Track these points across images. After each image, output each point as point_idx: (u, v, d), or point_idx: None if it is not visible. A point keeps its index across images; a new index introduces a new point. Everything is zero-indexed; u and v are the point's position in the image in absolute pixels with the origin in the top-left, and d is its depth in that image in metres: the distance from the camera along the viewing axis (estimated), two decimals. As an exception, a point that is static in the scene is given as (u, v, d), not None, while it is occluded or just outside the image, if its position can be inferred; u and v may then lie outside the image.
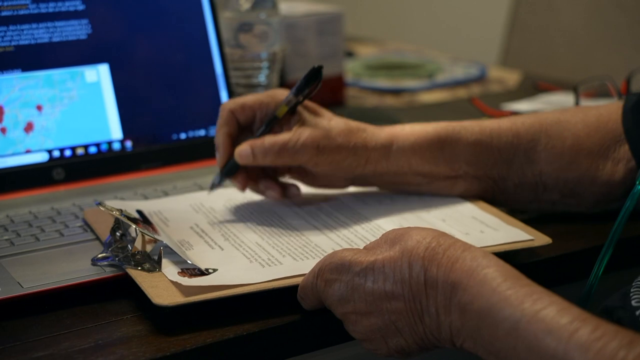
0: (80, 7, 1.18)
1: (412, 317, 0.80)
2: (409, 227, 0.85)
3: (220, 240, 1.00)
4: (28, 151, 1.13)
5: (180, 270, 0.90)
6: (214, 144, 1.10)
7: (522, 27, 2.35)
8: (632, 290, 0.88)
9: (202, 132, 1.25)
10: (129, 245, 0.93)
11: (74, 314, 0.88)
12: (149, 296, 0.84)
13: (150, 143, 1.21)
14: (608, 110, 1.13)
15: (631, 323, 0.83)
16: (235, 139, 1.09)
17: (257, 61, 1.38)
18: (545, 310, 0.70)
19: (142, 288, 0.86)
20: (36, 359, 0.79)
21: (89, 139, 1.17)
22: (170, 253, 0.93)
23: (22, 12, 1.14)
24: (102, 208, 0.99)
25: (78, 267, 0.93)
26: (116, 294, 0.92)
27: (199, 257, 0.95)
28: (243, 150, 1.05)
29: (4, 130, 1.12)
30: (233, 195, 1.13)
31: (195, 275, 0.90)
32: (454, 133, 1.11)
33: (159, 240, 0.94)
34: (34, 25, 1.15)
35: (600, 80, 1.49)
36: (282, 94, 1.09)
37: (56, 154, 1.15)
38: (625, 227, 0.93)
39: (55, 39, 1.16)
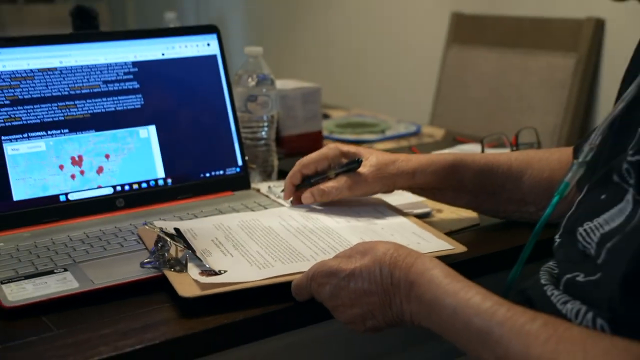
0: (136, 86, 1.20)
1: (384, 307, 0.84)
2: (376, 241, 0.89)
3: (231, 249, 1.01)
4: (99, 187, 1.16)
5: (200, 271, 0.93)
6: (284, 186, 1.17)
7: (444, 98, 2.40)
8: (540, 273, 0.90)
9: (220, 172, 1.26)
10: (165, 253, 0.95)
11: (129, 303, 0.91)
12: (176, 290, 0.88)
13: (184, 180, 1.23)
14: (568, 151, 1.13)
15: (539, 297, 0.86)
16: (296, 185, 1.16)
17: (260, 122, 1.39)
18: (473, 298, 0.75)
19: (172, 284, 0.89)
20: (103, 335, 0.82)
21: (142, 178, 1.19)
22: (194, 259, 0.95)
23: (95, 90, 1.17)
24: (148, 227, 1.02)
25: (133, 270, 0.96)
26: (158, 289, 0.93)
27: (215, 261, 0.97)
28: (307, 197, 1.13)
29: (82, 172, 1.14)
30: (244, 217, 1.13)
31: (211, 275, 0.92)
32: (463, 162, 1.13)
33: (186, 249, 0.96)
34: (104, 99, 1.17)
35: (498, 135, 1.54)
36: (335, 153, 1.14)
37: (118, 188, 1.17)
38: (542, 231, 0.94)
39: (119, 108, 1.18)
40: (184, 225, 1.08)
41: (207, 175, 1.25)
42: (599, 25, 2.10)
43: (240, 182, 1.27)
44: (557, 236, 0.91)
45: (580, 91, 2.09)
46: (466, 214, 1.22)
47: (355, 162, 1.12)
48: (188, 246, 0.99)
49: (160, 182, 1.22)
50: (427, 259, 0.83)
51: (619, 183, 0.81)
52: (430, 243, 1.02)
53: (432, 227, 1.08)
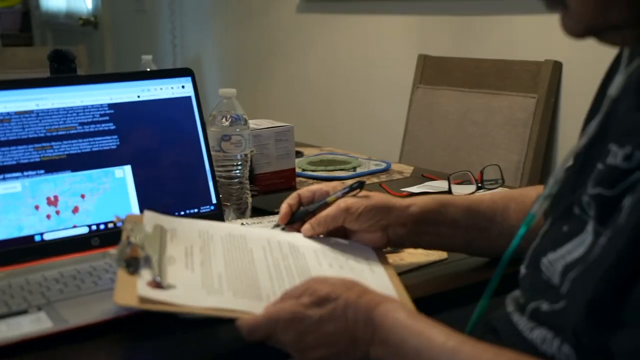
0: (112, 127, 1.19)
1: (350, 348, 0.83)
2: (343, 286, 0.86)
3: (196, 264, 0.96)
4: (74, 226, 1.14)
5: (151, 280, 0.88)
6: (280, 208, 1.12)
7: (412, 136, 2.42)
8: (506, 302, 0.91)
9: (195, 210, 1.25)
10: (129, 250, 0.92)
11: (106, 341, 0.89)
12: (115, 290, 0.85)
13: None
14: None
15: (506, 327, 0.88)
16: (292, 212, 1.12)
17: (234, 161, 1.38)
18: (437, 338, 0.76)
19: (115, 284, 0.87)
20: None
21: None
22: (150, 265, 0.91)
23: (72, 132, 1.16)
24: (123, 218, 1.01)
25: (108, 308, 0.93)
26: (135, 326, 0.91)
27: (172, 272, 0.92)
28: (307, 229, 1.09)
29: (58, 212, 1.13)
30: (234, 231, 1.09)
31: (158, 287, 0.87)
32: (450, 199, 1.14)
33: (146, 254, 0.92)
34: (80, 140, 1.17)
35: (464, 172, 1.57)
36: (334, 188, 1.12)
37: (94, 227, 1.16)
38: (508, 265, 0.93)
39: (95, 149, 1.18)
40: (171, 224, 1.05)
41: (182, 213, 1.24)
42: (556, 68, 2.14)
43: (215, 220, 1.23)
44: (522, 267, 0.92)
45: (541, 129, 2.12)
46: (427, 252, 1.21)
47: (357, 184, 1.10)
48: (157, 249, 0.95)
49: (135, 221, 1.21)
50: (390, 302, 0.84)
51: (580, 215, 0.83)
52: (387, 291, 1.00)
53: (400, 284, 1.03)
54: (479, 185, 1.55)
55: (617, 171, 0.76)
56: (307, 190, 1.14)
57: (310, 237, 1.11)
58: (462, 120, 2.31)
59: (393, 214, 1.09)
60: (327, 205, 1.09)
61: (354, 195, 1.10)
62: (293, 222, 1.13)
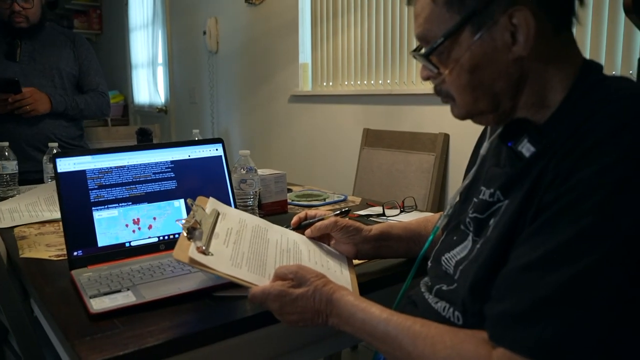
0: (172, 175, 1.18)
1: (315, 318, 0.81)
2: (315, 274, 0.84)
3: (230, 242, 0.92)
4: (149, 237, 1.14)
5: (199, 247, 0.85)
6: (292, 220, 1.10)
7: (360, 178, 2.40)
8: (420, 284, 0.90)
9: None
10: (191, 221, 0.89)
11: (168, 310, 0.89)
12: (175, 248, 0.82)
13: None
14: None
15: (421, 300, 0.86)
16: (300, 221, 1.08)
17: (248, 195, 1.39)
18: (375, 312, 0.75)
19: (177, 243, 0.83)
20: (150, 331, 0.81)
21: (176, 231, 1.17)
22: (201, 236, 0.88)
23: (148, 178, 1.16)
24: (193, 202, 0.95)
25: (171, 289, 0.94)
26: (186, 301, 0.91)
27: (214, 245, 0.89)
28: (308, 232, 1.06)
29: (139, 228, 1.13)
30: (261, 223, 1.05)
31: (202, 252, 0.84)
32: (391, 227, 1.09)
33: (200, 228, 0.89)
34: (153, 183, 1.16)
35: (392, 202, 1.56)
36: (328, 213, 1.09)
37: (161, 238, 1.15)
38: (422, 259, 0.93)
39: (162, 189, 1.17)
40: (224, 209, 1.02)
41: None
42: (446, 137, 2.16)
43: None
44: (429, 262, 0.91)
45: (438, 174, 2.13)
46: None
47: (345, 211, 1.09)
48: (208, 225, 0.92)
49: (188, 233, 1.19)
50: (344, 289, 0.81)
51: (464, 230, 0.83)
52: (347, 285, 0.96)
53: (357, 286, 0.98)
54: (402, 209, 1.54)
55: (486, 203, 0.77)
56: (311, 211, 1.12)
57: (310, 239, 1.07)
58: (390, 169, 2.29)
59: (361, 234, 1.05)
60: (323, 220, 1.07)
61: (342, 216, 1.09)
62: (299, 228, 1.09)
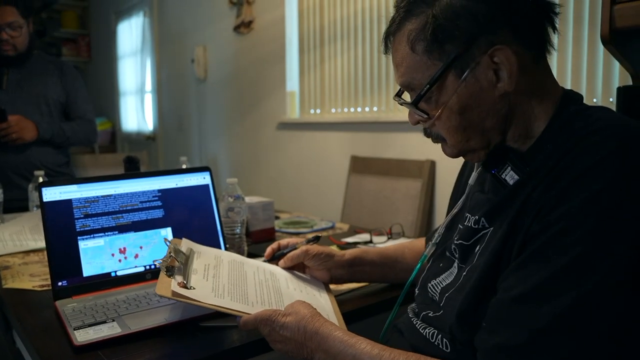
0: (160, 204, 1.17)
1: (299, 350, 0.80)
2: (303, 305, 0.84)
3: (210, 276, 0.93)
4: (135, 266, 1.13)
5: (179, 282, 0.86)
6: (266, 251, 1.11)
7: (348, 205, 2.40)
8: (407, 311, 0.90)
9: None
10: (168, 260, 0.90)
11: (154, 340, 0.89)
12: (157, 285, 0.83)
13: None
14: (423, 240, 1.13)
15: (408, 327, 0.85)
16: (274, 252, 1.10)
17: (236, 224, 1.37)
18: (366, 348, 0.73)
19: (158, 281, 0.84)
20: None
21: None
22: (181, 272, 0.89)
23: (135, 207, 1.15)
24: (172, 242, 0.96)
25: (157, 319, 0.94)
26: (172, 331, 0.91)
27: (194, 279, 0.89)
28: (281, 262, 1.08)
29: (125, 257, 1.12)
30: (237, 258, 1.06)
31: (184, 286, 0.85)
32: (366, 249, 1.10)
33: (179, 264, 0.90)
34: (140, 212, 1.15)
35: (379, 228, 1.56)
36: (300, 241, 1.10)
37: (147, 267, 1.14)
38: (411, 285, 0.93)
39: (149, 217, 1.16)
40: (198, 248, 1.03)
41: None
42: (433, 164, 2.17)
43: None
44: (417, 289, 0.91)
45: (425, 201, 2.14)
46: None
47: (315, 238, 1.10)
48: (186, 263, 0.92)
49: (174, 262, 1.19)
50: (331, 324, 0.80)
51: (449, 257, 0.83)
52: (327, 307, 0.98)
53: (337, 307, 0.99)
54: (389, 236, 1.54)
55: (471, 230, 0.77)
56: (283, 241, 1.13)
57: (284, 269, 1.08)
58: (378, 195, 2.30)
59: (333, 259, 1.07)
60: (295, 249, 1.08)
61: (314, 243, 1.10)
62: (273, 259, 1.11)
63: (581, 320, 0.57)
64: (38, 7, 5.24)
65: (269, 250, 1.12)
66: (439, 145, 0.80)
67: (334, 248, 1.09)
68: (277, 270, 1.09)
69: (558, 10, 0.73)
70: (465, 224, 0.80)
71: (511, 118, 0.73)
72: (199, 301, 0.84)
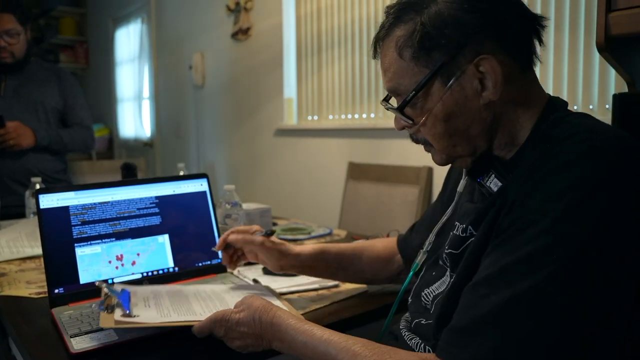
0: (157, 210, 1.18)
1: (257, 342, 0.82)
2: (255, 298, 0.86)
3: (152, 305, 0.94)
4: (133, 273, 1.13)
5: (122, 314, 0.87)
6: (218, 240, 1.10)
7: (345, 212, 2.40)
8: (401, 320, 0.91)
9: (208, 262, 1.22)
10: (106, 300, 0.90)
11: (151, 346, 0.87)
12: (100, 322, 0.83)
13: (185, 268, 1.19)
14: (392, 240, 1.13)
15: (400, 337, 0.86)
16: (225, 242, 1.10)
17: None
18: (316, 333, 0.75)
19: (99, 318, 0.85)
20: None
21: (159, 267, 1.16)
22: (121, 306, 0.89)
23: (132, 214, 1.16)
24: (101, 284, 0.95)
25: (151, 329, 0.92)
26: (176, 335, 0.91)
27: (136, 310, 0.90)
28: (232, 237, 1.09)
29: (123, 264, 1.12)
30: (174, 287, 1.06)
31: (128, 316, 0.86)
32: (327, 247, 1.11)
33: (117, 301, 0.90)
34: (137, 219, 1.16)
35: (377, 235, 1.56)
36: (258, 230, 1.10)
37: (145, 274, 1.15)
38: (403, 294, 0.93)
39: (146, 224, 1.17)
40: (132, 288, 1.02)
41: (200, 264, 1.22)
42: (430, 170, 2.17)
43: (220, 268, 1.24)
44: (410, 297, 0.91)
45: (422, 207, 2.14)
46: (356, 286, 1.19)
47: (270, 231, 1.09)
48: (126, 300, 0.92)
49: (171, 269, 1.19)
50: (284, 311, 0.82)
51: (442, 265, 0.84)
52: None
53: (290, 306, 1.00)
54: None
55: (459, 238, 0.78)
56: (237, 229, 1.11)
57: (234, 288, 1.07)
58: (375, 202, 2.30)
59: (287, 258, 1.08)
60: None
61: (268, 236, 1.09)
62: (226, 248, 1.11)
63: (520, 312, 0.59)
64: (36, 14, 5.25)
65: (221, 239, 1.11)
66: None
67: (286, 243, 1.09)
68: (218, 288, 1.09)
69: (544, 23, 0.75)
70: (455, 232, 0.81)
71: (496, 126, 0.74)
72: (146, 322, 0.85)
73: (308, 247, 1.11)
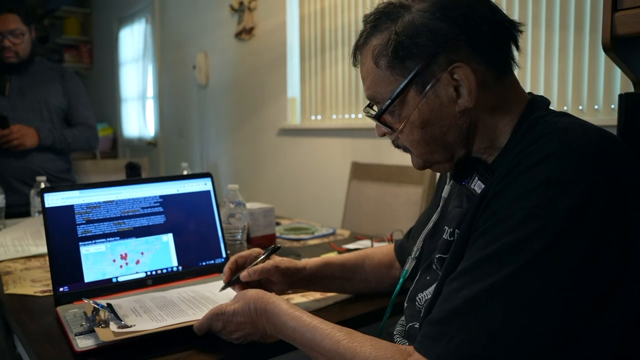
0: (161, 210, 1.18)
1: (254, 329, 0.84)
2: (248, 290, 0.87)
3: (142, 313, 0.95)
4: (137, 272, 1.13)
5: (118, 326, 0.88)
6: (223, 271, 1.03)
7: (349, 211, 2.41)
8: (397, 324, 0.92)
9: (212, 261, 1.22)
10: (96, 317, 0.91)
11: (161, 346, 0.89)
12: (99, 336, 0.84)
13: (189, 267, 1.19)
14: (392, 247, 1.13)
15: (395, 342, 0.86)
16: (233, 272, 1.03)
17: (237, 230, 1.38)
18: (305, 320, 0.76)
19: (97, 333, 0.85)
20: None
21: (163, 266, 1.16)
22: (114, 319, 0.90)
23: (136, 213, 1.16)
24: (87, 300, 0.96)
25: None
26: (180, 334, 0.90)
27: (129, 320, 0.91)
28: (244, 275, 0.99)
29: (127, 263, 1.13)
30: (155, 294, 1.07)
31: (124, 327, 0.87)
32: (330, 260, 1.08)
33: (110, 313, 0.91)
34: (142, 218, 1.16)
35: (380, 235, 1.56)
36: (259, 252, 1.05)
37: (149, 273, 1.15)
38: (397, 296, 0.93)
39: (150, 223, 1.17)
40: (115, 301, 1.02)
41: (203, 263, 1.22)
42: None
43: (224, 267, 1.24)
44: (405, 302, 0.92)
45: (425, 208, 2.14)
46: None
47: (275, 248, 1.04)
48: (112, 312, 0.93)
49: (175, 268, 1.19)
50: (278, 298, 0.83)
51: (435, 269, 0.84)
52: None
53: None
54: (390, 242, 1.51)
55: (447, 242, 0.79)
56: (239, 256, 1.05)
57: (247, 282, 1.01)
58: (379, 201, 2.30)
59: (297, 275, 1.04)
60: (257, 264, 1.02)
61: (274, 252, 1.05)
62: (232, 284, 1.02)
63: (489, 306, 0.60)
64: (40, 14, 5.27)
65: (226, 272, 1.03)
66: None
67: (291, 259, 1.06)
68: (197, 288, 1.10)
69: (521, 28, 0.75)
70: (443, 237, 0.82)
71: (474, 132, 0.76)
72: (144, 330, 0.86)
73: (311, 260, 1.09)
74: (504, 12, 0.76)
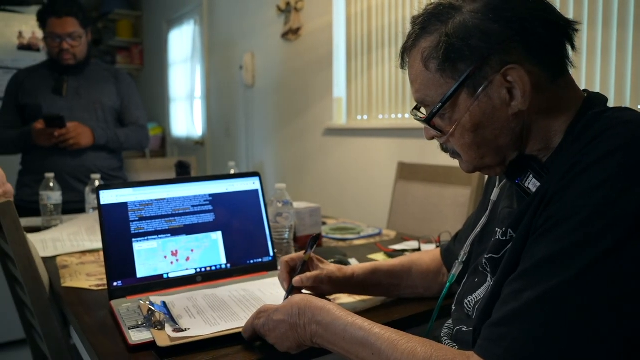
0: (210, 208, 1.20)
1: (293, 330, 0.80)
2: (295, 296, 0.83)
3: (195, 314, 0.96)
4: (187, 269, 1.16)
5: (173, 329, 0.89)
6: (278, 278, 1.01)
7: (395, 212, 2.40)
8: (443, 327, 0.91)
9: (259, 259, 1.23)
10: (152, 318, 0.92)
11: (212, 344, 0.91)
12: (156, 341, 0.85)
13: (238, 264, 1.20)
14: (438, 252, 1.11)
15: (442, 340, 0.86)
16: (290, 275, 1.00)
17: (284, 229, 1.40)
18: (357, 320, 0.73)
19: (154, 337, 0.86)
20: None
21: (212, 263, 1.18)
22: (169, 321, 0.92)
23: (187, 211, 1.18)
24: (143, 302, 0.99)
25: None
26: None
27: (184, 322, 0.93)
28: (297, 280, 0.97)
29: (177, 260, 1.15)
30: (206, 292, 1.08)
31: (179, 331, 0.88)
32: (378, 267, 1.06)
33: (165, 316, 0.93)
34: (192, 216, 1.18)
35: (427, 236, 1.55)
36: (299, 255, 1.03)
37: (198, 270, 1.17)
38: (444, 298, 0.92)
39: (200, 221, 1.19)
40: (167, 298, 1.04)
41: (251, 261, 1.24)
42: None
43: (271, 266, 1.26)
44: (453, 305, 0.91)
45: (474, 209, 2.10)
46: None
47: (316, 236, 1.02)
48: (168, 313, 0.95)
49: (223, 266, 1.21)
50: (323, 301, 0.80)
51: (483, 271, 0.83)
52: None
53: None
54: (437, 244, 1.51)
55: (500, 242, 0.77)
56: (289, 258, 1.03)
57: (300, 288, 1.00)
58: (425, 202, 2.28)
59: (345, 282, 1.03)
60: (305, 262, 1.01)
61: (316, 241, 1.02)
62: (291, 293, 0.98)
63: (551, 308, 0.58)
64: (95, 17, 5.46)
65: (285, 278, 1.01)
66: None
67: (341, 268, 1.05)
68: (248, 286, 1.12)
69: (577, 27, 0.73)
70: (495, 237, 0.80)
71: (527, 135, 0.74)
72: (200, 335, 0.87)
73: (358, 267, 1.07)
74: (559, 10, 0.73)
